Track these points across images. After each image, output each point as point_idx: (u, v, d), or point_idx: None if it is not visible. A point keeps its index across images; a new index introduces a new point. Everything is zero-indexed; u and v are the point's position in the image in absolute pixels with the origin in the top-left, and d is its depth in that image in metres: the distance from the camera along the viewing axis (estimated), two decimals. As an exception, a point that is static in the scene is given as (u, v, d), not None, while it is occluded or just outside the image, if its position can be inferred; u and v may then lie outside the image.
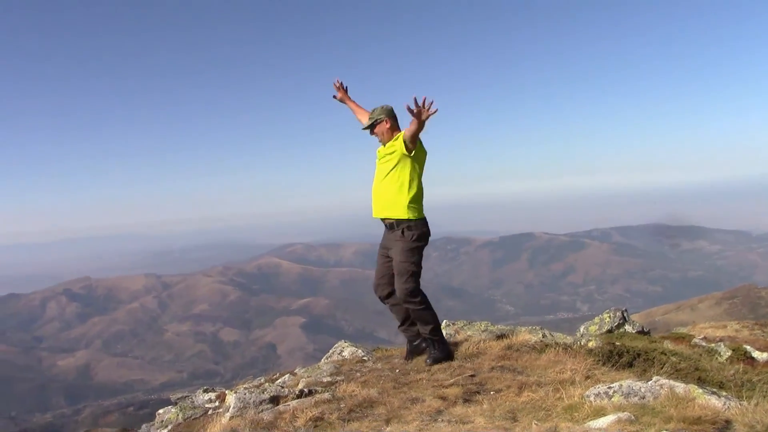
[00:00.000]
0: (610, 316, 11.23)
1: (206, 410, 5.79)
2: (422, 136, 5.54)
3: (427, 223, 5.73)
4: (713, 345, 9.25)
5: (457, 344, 6.27)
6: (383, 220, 5.75)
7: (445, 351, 5.71)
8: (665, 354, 5.92)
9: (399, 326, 6.09)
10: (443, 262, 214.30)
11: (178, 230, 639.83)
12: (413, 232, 5.60)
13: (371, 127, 5.80)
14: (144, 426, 6.32)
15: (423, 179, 5.73)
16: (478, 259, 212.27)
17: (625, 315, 11.26)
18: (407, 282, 5.57)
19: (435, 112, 5.15)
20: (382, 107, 5.78)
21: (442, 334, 5.82)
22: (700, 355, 7.78)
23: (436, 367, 5.40)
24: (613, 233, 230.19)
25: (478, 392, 4.58)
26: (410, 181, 5.58)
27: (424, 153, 5.70)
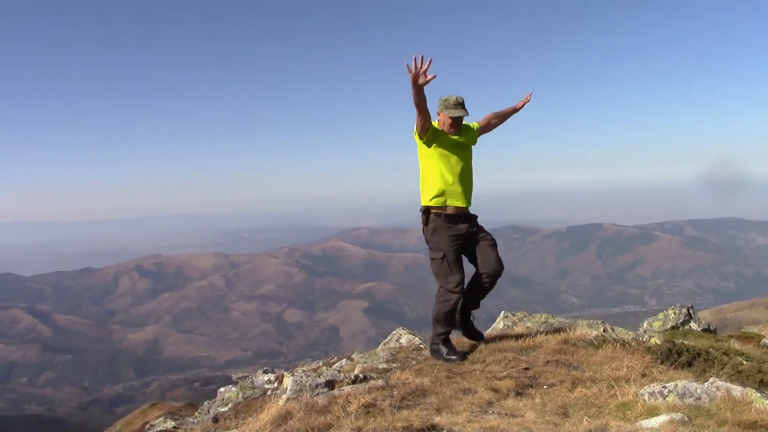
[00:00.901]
0: (675, 313, 10.94)
1: (265, 391, 5.95)
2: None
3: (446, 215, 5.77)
4: (783, 346, 8.92)
5: (514, 336, 6.26)
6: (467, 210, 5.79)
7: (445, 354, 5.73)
8: (727, 354, 5.77)
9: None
10: (508, 250, 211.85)
11: (249, 211, 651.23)
12: None
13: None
14: (206, 402, 6.55)
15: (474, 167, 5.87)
16: (544, 248, 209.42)
17: (690, 312, 10.98)
18: None
19: (432, 77, 4.97)
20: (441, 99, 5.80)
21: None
22: (768, 356, 7.54)
23: (490, 358, 5.40)
24: (686, 226, 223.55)
25: (531, 386, 4.58)
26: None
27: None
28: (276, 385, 6.05)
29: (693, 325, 10.64)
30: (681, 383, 4.16)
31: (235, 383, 6.51)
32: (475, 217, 5.77)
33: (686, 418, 3.59)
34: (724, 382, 4.18)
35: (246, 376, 6.69)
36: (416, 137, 5.62)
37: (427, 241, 5.72)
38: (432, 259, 5.65)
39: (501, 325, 7.81)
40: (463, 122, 5.73)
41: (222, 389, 6.44)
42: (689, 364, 5.18)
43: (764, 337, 10.19)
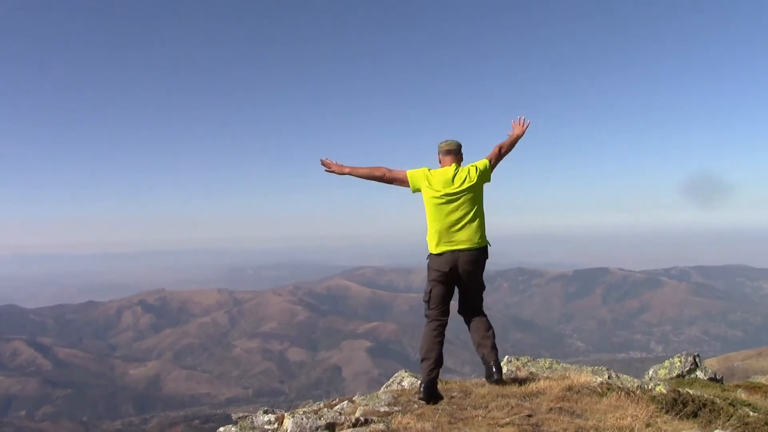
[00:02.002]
0: (681, 361, 10.84)
1: (264, 431, 5.88)
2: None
3: (431, 257, 6.01)
4: (791, 398, 8.78)
5: (517, 381, 6.21)
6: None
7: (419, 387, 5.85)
8: (734, 405, 5.70)
9: None
10: (514, 293, 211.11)
11: (254, 248, 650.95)
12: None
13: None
14: (205, 442, 6.47)
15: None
16: (549, 291, 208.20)
17: (697, 360, 10.87)
18: None
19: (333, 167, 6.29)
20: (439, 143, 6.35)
21: (422, 368, 5.91)
22: (775, 407, 7.44)
23: (493, 403, 5.35)
24: (693, 272, 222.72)
25: (534, 433, 4.53)
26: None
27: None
28: (276, 426, 5.98)
29: (699, 373, 10.52)
30: (686, 434, 4.10)
31: (234, 423, 6.43)
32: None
33: (691, 471, 3.53)
34: (729, 435, 4.13)
35: (246, 416, 6.62)
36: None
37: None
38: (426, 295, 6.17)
39: (505, 370, 7.74)
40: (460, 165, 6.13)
41: (222, 429, 6.35)
42: (695, 415, 5.12)
43: (772, 387, 10.06)
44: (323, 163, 6.34)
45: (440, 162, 6.16)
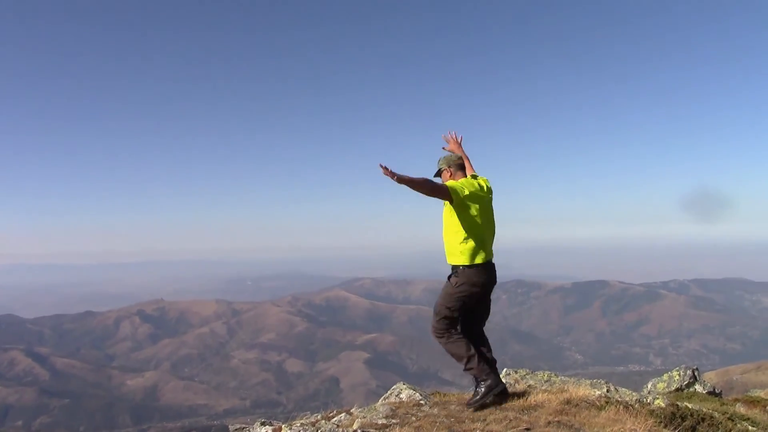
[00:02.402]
0: (679, 374, 10.86)
1: (262, 443, 5.86)
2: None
3: (474, 268, 5.76)
4: (789, 412, 8.75)
5: (516, 394, 6.18)
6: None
7: (485, 389, 5.72)
8: (732, 420, 5.69)
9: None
10: (513, 305, 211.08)
11: (254, 259, 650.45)
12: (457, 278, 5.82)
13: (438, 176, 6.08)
14: (202, 454, 6.45)
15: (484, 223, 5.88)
16: (548, 304, 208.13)
17: (695, 374, 10.88)
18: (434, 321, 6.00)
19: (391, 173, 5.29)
20: (445, 157, 6.15)
21: (477, 366, 5.76)
22: (774, 422, 7.42)
23: (491, 416, 5.33)
24: (692, 285, 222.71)
25: (532, 447, 4.51)
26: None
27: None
28: (273, 438, 5.96)
29: (698, 387, 10.52)
30: (685, 449, 4.09)
31: (231, 435, 6.42)
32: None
33: (690, 486, 3.52)
34: (728, 449, 4.12)
35: (244, 428, 6.61)
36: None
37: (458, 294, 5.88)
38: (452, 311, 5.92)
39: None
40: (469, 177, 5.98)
41: (219, 440, 6.34)
42: (693, 429, 5.11)
43: (770, 401, 10.04)
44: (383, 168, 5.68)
45: (451, 176, 6.02)
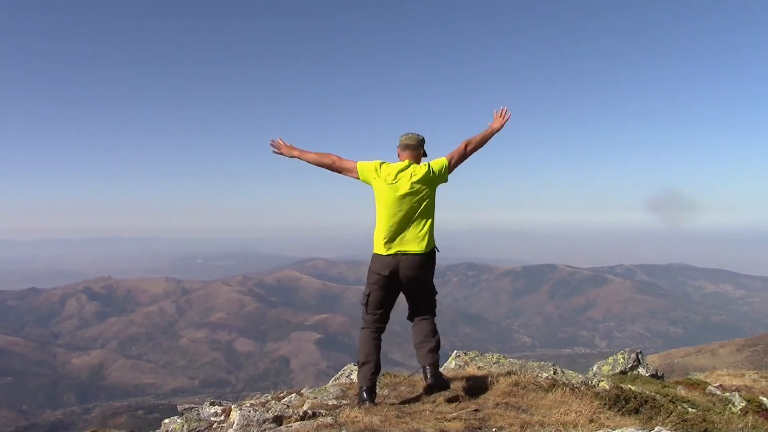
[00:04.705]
0: (624, 357, 11.10)
1: (211, 423, 5.80)
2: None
3: (374, 257, 5.56)
4: (727, 394, 9.00)
5: (465, 377, 6.24)
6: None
7: (358, 398, 5.47)
8: (674, 402, 5.85)
9: None
10: (463, 288, 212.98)
11: (205, 237, 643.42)
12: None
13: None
14: (149, 434, 6.36)
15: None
16: (498, 287, 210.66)
17: (639, 357, 11.14)
18: None
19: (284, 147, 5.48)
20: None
21: (362, 372, 5.44)
22: (713, 404, 7.64)
23: (440, 398, 5.36)
24: (638, 271, 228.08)
25: (480, 428, 4.55)
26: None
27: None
28: (222, 418, 5.92)
29: (641, 370, 10.78)
30: (627, 431, 4.18)
31: (180, 414, 6.35)
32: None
33: (632, 467, 3.60)
34: (669, 431, 4.22)
35: (192, 407, 6.54)
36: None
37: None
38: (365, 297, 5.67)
39: (453, 365, 7.81)
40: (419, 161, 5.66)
41: (167, 420, 6.25)
42: (636, 411, 5.23)
43: (710, 384, 10.35)
44: (273, 144, 5.92)
45: (398, 156, 5.66)
